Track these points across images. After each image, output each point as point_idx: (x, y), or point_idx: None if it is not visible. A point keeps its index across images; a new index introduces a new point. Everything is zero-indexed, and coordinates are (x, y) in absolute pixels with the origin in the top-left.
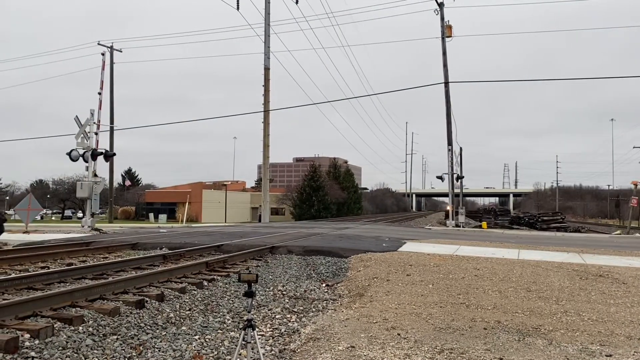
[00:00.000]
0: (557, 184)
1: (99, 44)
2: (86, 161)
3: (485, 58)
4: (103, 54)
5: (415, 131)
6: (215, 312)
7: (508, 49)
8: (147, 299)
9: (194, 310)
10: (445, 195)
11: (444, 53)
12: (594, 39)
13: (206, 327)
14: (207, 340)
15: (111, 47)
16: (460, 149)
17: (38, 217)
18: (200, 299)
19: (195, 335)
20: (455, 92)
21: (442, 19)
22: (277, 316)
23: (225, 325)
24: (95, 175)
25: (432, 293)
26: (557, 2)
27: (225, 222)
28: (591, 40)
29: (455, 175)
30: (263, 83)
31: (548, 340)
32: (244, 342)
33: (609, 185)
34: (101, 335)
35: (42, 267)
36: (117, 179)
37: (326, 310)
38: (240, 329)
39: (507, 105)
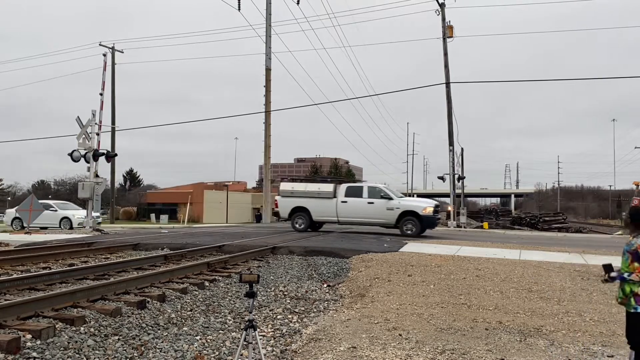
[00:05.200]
0: (558, 184)
1: (100, 44)
2: (88, 162)
3: (487, 58)
4: (104, 55)
5: (417, 131)
6: (217, 313)
7: (511, 50)
8: (148, 299)
9: (196, 310)
10: (447, 195)
11: (445, 53)
12: (598, 39)
13: (207, 327)
14: (208, 340)
15: (112, 48)
16: (462, 149)
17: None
18: (201, 299)
19: (196, 335)
20: (458, 93)
21: (443, 19)
22: (278, 317)
23: (226, 326)
24: (97, 175)
25: (433, 293)
26: (559, 2)
27: (227, 222)
28: (594, 41)
29: (456, 176)
30: (264, 84)
31: (550, 340)
32: (245, 343)
33: (610, 186)
34: (103, 336)
35: (44, 268)
36: (119, 179)
37: (327, 311)
38: (241, 329)
39: (510, 106)
